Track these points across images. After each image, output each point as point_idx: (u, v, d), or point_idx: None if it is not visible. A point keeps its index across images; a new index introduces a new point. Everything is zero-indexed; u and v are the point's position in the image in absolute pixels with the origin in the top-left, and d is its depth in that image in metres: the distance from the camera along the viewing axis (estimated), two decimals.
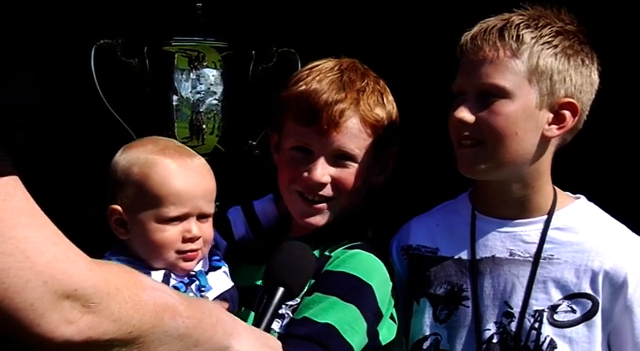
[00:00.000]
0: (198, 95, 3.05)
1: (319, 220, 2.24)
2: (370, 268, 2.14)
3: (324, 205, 2.22)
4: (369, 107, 2.20)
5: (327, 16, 3.60)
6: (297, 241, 2.09)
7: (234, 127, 3.08)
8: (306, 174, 2.19)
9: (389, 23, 3.61)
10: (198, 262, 2.16)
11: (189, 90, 3.05)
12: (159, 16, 3.27)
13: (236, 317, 1.78)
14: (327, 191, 2.21)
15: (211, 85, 3.06)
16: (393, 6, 3.59)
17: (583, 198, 2.23)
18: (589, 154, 3.11)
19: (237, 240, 2.40)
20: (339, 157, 2.20)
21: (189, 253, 2.11)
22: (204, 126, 3.06)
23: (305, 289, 2.06)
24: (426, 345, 2.23)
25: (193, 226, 2.10)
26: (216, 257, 2.24)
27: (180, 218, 2.09)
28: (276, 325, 2.14)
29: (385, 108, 2.24)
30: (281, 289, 1.92)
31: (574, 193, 2.25)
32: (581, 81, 2.11)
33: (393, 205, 2.34)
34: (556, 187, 2.21)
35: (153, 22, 3.28)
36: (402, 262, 2.31)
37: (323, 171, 2.18)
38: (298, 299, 2.15)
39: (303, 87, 2.21)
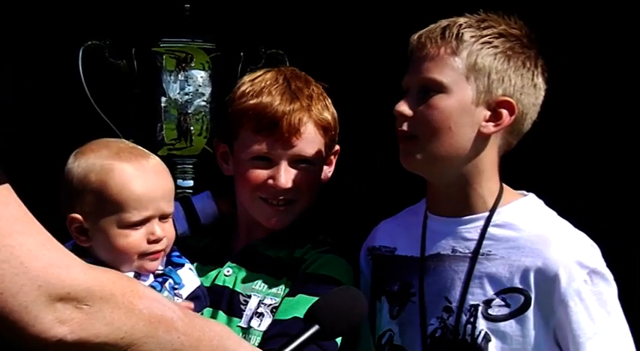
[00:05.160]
0: (187, 97, 3.05)
1: (284, 221, 2.33)
2: (345, 272, 2.28)
3: (286, 207, 2.32)
4: (319, 111, 2.33)
5: (315, 18, 3.60)
6: (354, 289, 2.07)
7: None
8: (271, 181, 2.30)
9: (376, 25, 3.61)
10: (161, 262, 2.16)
11: (177, 91, 3.05)
12: (147, 17, 3.26)
13: (246, 343, 1.80)
14: (289, 194, 2.31)
15: (199, 86, 3.06)
16: (380, 8, 3.60)
17: (531, 195, 2.25)
18: (548, 154, 3.12)
19: (180, 234, 2.41)
20: (298, 162, 2.31)
21: (153, 254, 2.10)
22: (192, 127, 3.07)
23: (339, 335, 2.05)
24: (383, 341, 2.28)
25: (157, 228, 2.09)
26: (176, 253, 2.23)
27: (143, 222, 2.07)
28: (255, 323, 2.22)
29: (329, 110, 2.38)
30: (316, 327, 1.86)
31: (529, 191, 2.26)
32: (522, 83, 2.15)
33: (355, 208, 2.38)
34: (505, 185, 2.23)
35: (141, 23, 3.27)
36: (368, 263, 2.38)
37: (287, 176, 2.29)
38: (278, 299, 2.23)
39: (255, 100, 2.31)
